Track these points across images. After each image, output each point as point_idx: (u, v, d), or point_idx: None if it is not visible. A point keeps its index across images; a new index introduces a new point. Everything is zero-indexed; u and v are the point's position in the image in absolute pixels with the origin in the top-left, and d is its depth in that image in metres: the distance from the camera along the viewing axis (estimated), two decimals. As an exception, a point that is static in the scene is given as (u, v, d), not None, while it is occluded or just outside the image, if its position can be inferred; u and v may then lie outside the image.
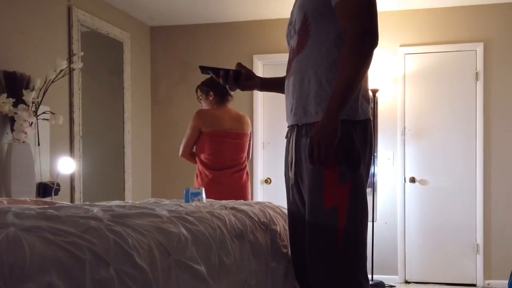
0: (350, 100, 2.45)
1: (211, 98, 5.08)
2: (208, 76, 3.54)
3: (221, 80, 2.83)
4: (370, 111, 2.63)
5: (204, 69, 2.82)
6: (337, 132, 2.39)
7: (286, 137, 2.78)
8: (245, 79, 2.89)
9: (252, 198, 7.07)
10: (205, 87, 5.10)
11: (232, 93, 4.82)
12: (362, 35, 2.41)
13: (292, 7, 2.80)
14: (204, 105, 5.17)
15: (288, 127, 2.76)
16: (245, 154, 5.24)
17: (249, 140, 5.26)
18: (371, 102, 2.64)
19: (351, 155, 2.47)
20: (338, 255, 2.47)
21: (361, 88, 2.54)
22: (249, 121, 5.25)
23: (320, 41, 2.54)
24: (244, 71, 2.86)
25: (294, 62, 2.66)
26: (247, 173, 5.29)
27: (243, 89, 2.94)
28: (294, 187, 2.72)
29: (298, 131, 2.62)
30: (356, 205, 2.49)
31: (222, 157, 5.07)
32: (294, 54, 2.68)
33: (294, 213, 2.79)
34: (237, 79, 2.84)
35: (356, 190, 2.49)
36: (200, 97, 5.21)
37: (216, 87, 4.94)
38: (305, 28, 2.60)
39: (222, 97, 5.06)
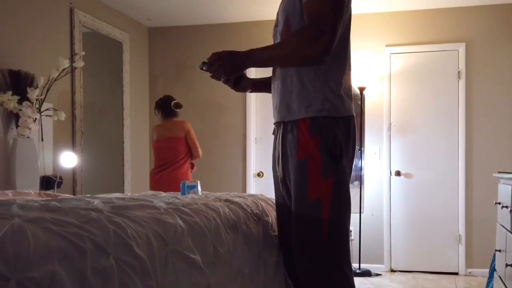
0: (263, 66, 2.68)
1: (159, 115, 6.27)
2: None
3: (222, 80, 2.80)
4: (354, 108, 2.63)
5: (205, 65, 2.69)
6: (236, 71, 2.60)
7: (273, 133, 2.78)
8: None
9: (245, 191, 7.11)
10: (157, 106, 6.30)
11: (178, 110, 6.22)
12: (318, 34, 2.34)
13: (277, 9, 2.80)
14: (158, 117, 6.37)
15: (274, 124, 2.77)
16: (182, 152, 6.14)
17: (185, 141, 6.16)
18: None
19: (334, 150, 2.46)
20: (322, 245, 2.47)
21: (343, 86, 2.54)
22: (184, 126, 6.18)
23: None
24: (243, 75, 2.86)
25: None
26: (187, 167, 6.20)
27: (238, 90, 2.93)
28: (282, 181, 2.72)
29: (284, 128, 2.61)
30: (339, 197, 2.49)
31: (158, 158, 6.23)
32: None
33: (281, 206, 2.79)
34: (237, 82, 2.84)
35: (339, 184, 2.48)
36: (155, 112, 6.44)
37: (162, 107, 6.22)
38: (287, 29, 2.59)
39: (166, 114, 6.22)
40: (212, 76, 2.61)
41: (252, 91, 3.04)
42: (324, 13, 2.35)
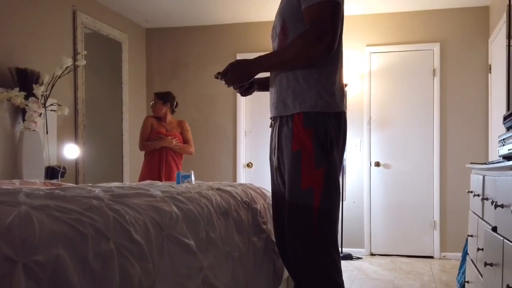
0: (271, 71, 2.71)
1: (166, 108, 6.00)
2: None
3: (234, 86, 2.79)
4: (345, 105, 2.64)
5: (219, 75, 2.70)
6: (247, 78, 2.65)
7: (270, 126, 2.79)
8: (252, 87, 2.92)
9: (235, 180, 7.11)
10: (168, 99, 5.99)
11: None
12: (321, 36, 2.37)
13: (275, 13, 2.80)
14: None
15: (270, 118, 2.78)
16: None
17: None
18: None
19: (325, 143, 2.48)
20: (312, 230, 2.47)
21: (335, 83, 2.55)
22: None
23: None
24: (255, 83, 2.89)
25: None
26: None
27: (245, 95, 2.95)
28: (277, 170, 2.73)
29: (280, 122, 2.63)
30: (329, 187, 2.50)
31: None
32: None
33: (277, 193, 2.79)
34: (248, 89, 2.87)
35: (329, 173, 2.50)
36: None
37: (171, 103, 6.02)
38: (284, 31, 2.60)
39: (172, 110, 6.10)
40: (227, 84, 2.67)
41: (257, 91, 3.04)
42: (324, 16, 2.38)
